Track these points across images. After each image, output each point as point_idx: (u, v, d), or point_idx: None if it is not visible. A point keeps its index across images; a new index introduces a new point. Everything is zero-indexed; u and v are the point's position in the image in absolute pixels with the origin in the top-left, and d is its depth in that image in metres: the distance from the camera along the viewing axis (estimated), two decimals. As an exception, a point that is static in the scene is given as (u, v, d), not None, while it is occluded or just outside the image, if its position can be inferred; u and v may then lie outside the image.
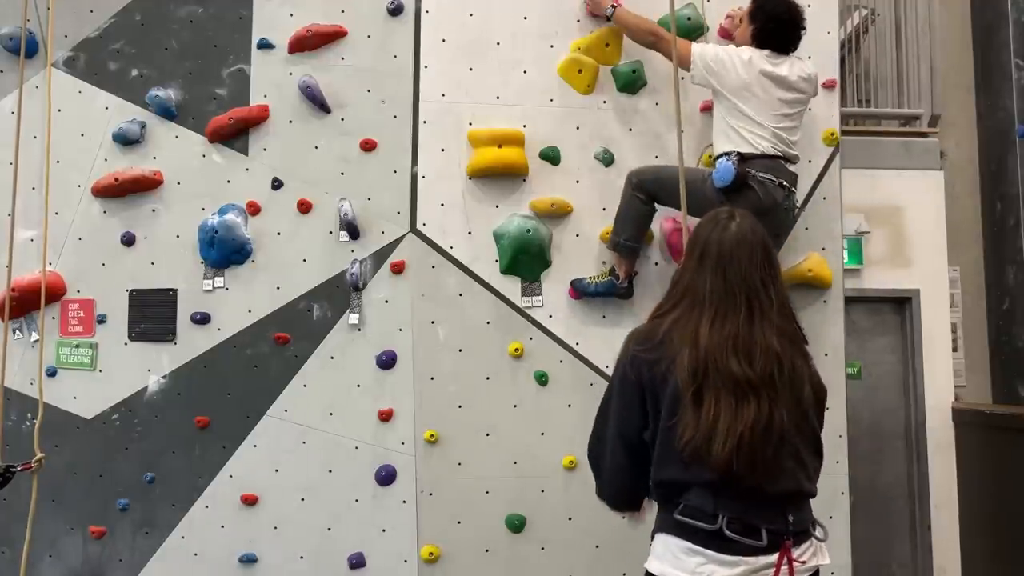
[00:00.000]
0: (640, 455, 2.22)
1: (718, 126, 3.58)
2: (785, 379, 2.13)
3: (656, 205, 3.68)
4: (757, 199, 3.38)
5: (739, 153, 3.44)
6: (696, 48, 3.52)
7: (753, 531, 2.07)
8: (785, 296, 2.25)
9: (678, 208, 3.61)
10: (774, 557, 2.08)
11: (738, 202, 3.24)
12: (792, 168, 3.57)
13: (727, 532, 2.06)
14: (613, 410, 2.27)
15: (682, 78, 3.49)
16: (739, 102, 3.47)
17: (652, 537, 2.26)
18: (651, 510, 2.32)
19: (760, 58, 3.48)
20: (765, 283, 2.18)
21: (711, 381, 2.09)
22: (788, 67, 3.52)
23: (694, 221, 2.52)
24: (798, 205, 3.74)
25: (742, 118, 3.48)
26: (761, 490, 2.09)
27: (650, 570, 2.19)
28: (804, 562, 2.13)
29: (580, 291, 3.83)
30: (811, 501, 2.23)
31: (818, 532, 2.22)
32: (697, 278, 2.20)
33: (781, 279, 2.26)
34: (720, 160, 3.47)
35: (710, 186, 3.46)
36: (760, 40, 3.53)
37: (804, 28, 3.59)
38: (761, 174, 3.43)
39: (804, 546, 2.15)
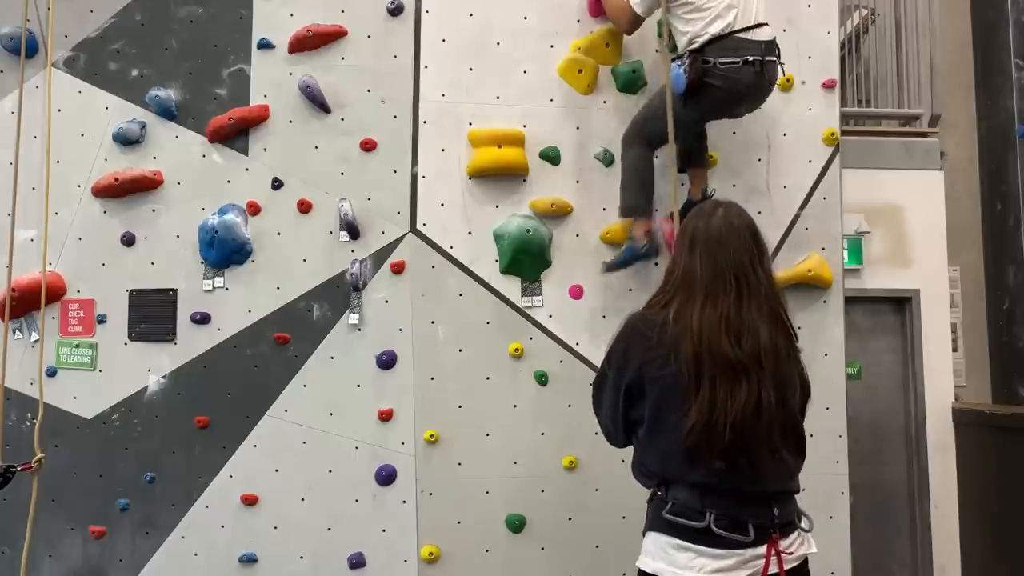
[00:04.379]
0: (631, 427, 2.34)
1: (675, 38, 3.46)
2: (770, 359, 2.18)
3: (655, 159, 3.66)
4: (724, 91, 3.25)
5: (690, 52, 3.31)
6: None
7: (740, 526, 2.13)
8: (772, 277, 2.31)
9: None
10: (762, 549, 2.13)
11: (704, 101, 3.26)
12: (763, 35, 3.34)
13: (715, 528, 2.12)
14: (607, 395, 2.37)
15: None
16: None
17: (644, 535, 2.29)
18: None
19: None
20: (753, 264, 2.24)
21: (707, 366, 2.14)
22: None
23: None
24: (781, 67, 3.45)
25: (688, 8, 3.33)
26: (746, 487, 2.14)
27: (643, 568, 2.23)
28: (791, 553, 2.17)
29: (615, 269, 3.78)
30: (810, 501, 2.27)
31: (803, 523, 2.26)
32: (689, 265, 2.26)
33: (769, 261, 2.32)
34: (672, 67, 3.36)
35: (676, 98, 3.34)
36: None
37: None
38: (720, 61, 3.28)
39: (792, 537, 2.20)
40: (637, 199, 3.66)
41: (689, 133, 3.55)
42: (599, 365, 3.61)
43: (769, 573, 2.11)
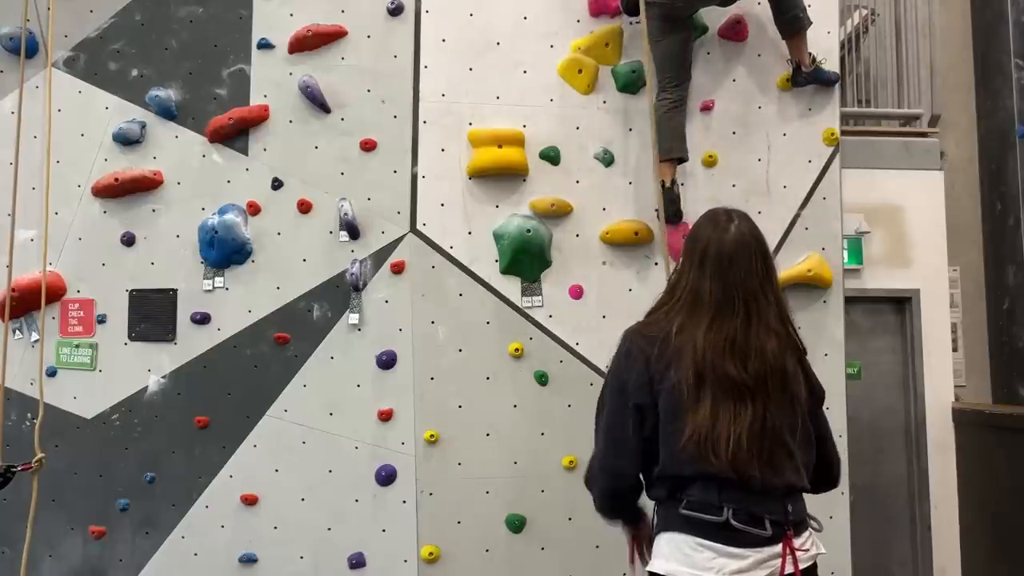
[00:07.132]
0: (632, 453, 2.26)
1: None
2: (777, 381, 2.17)
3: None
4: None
5: None
6: None
7: (757, 521, 2.12)
8: (781, 299, 2.28)
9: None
10: (778, 548, 2.12)
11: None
12: None
13: (733, 522, 2.10)
14: (611, 416, 2.29)
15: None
16: None
17: (652, 539, 2.27)
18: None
19: None
20: (764, 287, 2.21)
21: (709, 384, 2.13)
22: None
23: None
24: None
25: None
26: (761, 485, 2.13)
27: (656, 571, 2.20)
28: (806, 550, 2.18)
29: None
30: (812, 499, 2.27)
31: (814, 523, 2.26)
32: (698, 282, 2.22)
33: (778, 282, 2.29)
34: None
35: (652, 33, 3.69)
36: None
37: None
38: None
39: (804, 536, 2.20)
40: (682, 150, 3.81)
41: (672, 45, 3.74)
42: (597, 366, 3.60)
43: (785, 573, 2.11)
